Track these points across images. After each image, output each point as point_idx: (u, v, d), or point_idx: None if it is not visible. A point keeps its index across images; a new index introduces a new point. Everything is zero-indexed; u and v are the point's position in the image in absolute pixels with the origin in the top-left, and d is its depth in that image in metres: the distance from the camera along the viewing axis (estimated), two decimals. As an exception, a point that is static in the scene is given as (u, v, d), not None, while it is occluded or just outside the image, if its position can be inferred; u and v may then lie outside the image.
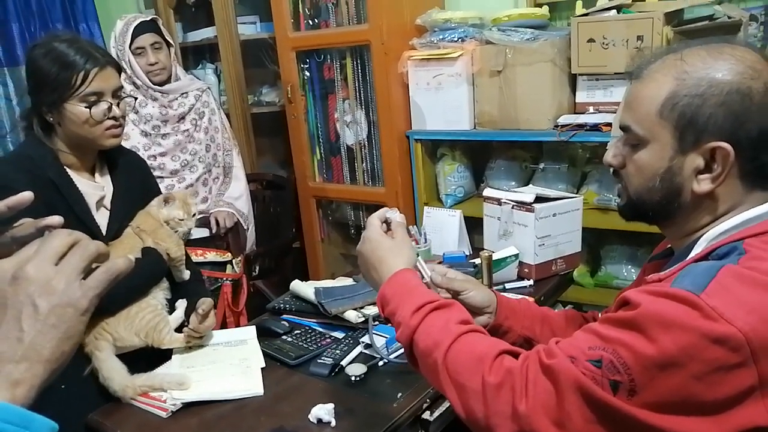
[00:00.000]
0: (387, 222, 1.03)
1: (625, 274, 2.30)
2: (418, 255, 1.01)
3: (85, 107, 1.29)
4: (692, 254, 0.80)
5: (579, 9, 2.15)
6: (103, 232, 1.37)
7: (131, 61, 2.05)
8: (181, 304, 1.43)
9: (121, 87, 1.37)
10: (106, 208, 1.41)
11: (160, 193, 1.59)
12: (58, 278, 0.55)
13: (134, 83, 2.09)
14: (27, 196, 0.66)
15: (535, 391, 0.73)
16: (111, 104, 1.32)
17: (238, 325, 2.03)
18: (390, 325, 1.28)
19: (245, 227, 2.33)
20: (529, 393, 0.73)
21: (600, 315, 1.15)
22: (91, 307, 0.56)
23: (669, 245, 0.95)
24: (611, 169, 0.91)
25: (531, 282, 1.69)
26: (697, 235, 0.82)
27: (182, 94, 2.17)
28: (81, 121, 1.30)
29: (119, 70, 1.36)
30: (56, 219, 0.65)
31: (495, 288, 1.61)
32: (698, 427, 0.67)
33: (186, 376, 1.26)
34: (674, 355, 0.66)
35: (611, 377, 0.69)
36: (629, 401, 0.68)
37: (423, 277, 1.02)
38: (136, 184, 1.49)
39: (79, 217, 1.31)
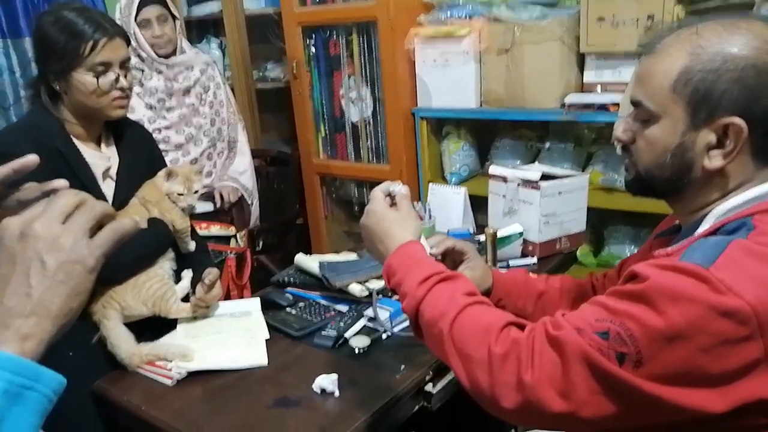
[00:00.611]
0: (391, 195, 1.03)
1: (628, 254, 2.29)
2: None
3: (93, 77, 1.29)
4: (700, 230, 0.80)
5: (589, -14, 2.12)
6: (110, 202, 1.37)
7: (136, 34, 2.04)
8: (187, 275, 1.44)
9: (129, 58, 1.37)
10: (112, 179, 1.41)
11: (165, 165, 1.59)
12: (65, 236, 0.56)
13: (139, 56, 2.07)
14: (32, 158, 0.67)
15: (540, 362, 0.73)
16: (119, 75, 1.32)
17: (241, 298, 2.04)
18: (395, 297, 1.30)
19: (249, 202, 2.34)
20: (535, 363, 0.73)
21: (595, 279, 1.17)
22: (97, 265, 0.57)
23: (675, 222, 0.95)
24: (619, 145, 0.90)
25: (535, 260, 1.70)
26: (706, 211, 0.82)
27: (187, 67, 2.16)
28: (88, 90, 1.30)
29: (128, 41, 1.36)
30: (61, 182, 0.66)
31: (499, 265, 1.63)
32: (703, 399, 0.68)
33: (189, 349, 1.27)
34: (681, 327, 0.67)
35: (618, 349, 0.69)
36: (635, 372, 0.69)
37: None
38: (141, 156, 1.49)
39: (85, 187, 1.31)
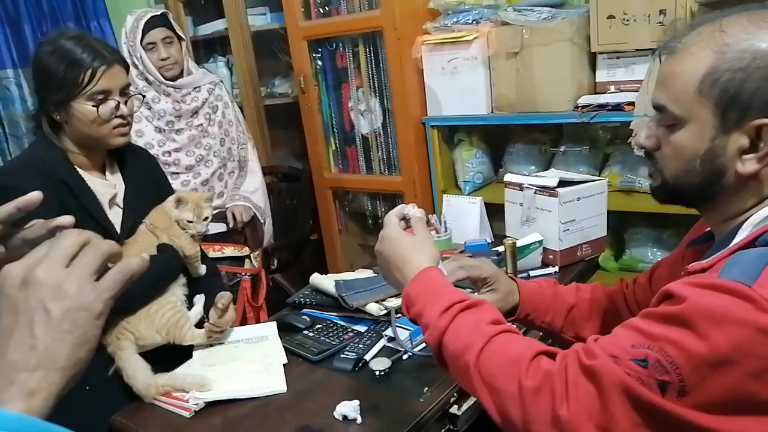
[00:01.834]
0: (405, 218, 0.99)
1: (650, 257, 2.24)
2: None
3: (93, 106, 1.27)
4: (736, 240, 0.75)
5: (597, -15, 2.08)
6: (118, 230, 1.35)
7: (143, 57, 2.03)
8: (200, 300, 1.41)
9: (129, 84, 1.35)
10: (119, 207, 1.40)
11: (171, 188, 1.57)
12: (69, 281, 0.53)
13: (146, 79, 2.07)
14: (36, 196, 0.64)
15: (576, 395, 0.68)
16: (119, 102, 1.30)
17: (258, 320, 2.02)
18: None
19: (262, 221, 2.31)
20: (570, 397, 0.69)
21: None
22: (106, 309, 0.54)
23: (707, 229, 0.90)
24: (642, 151, 0.85)
25: (556, 269, 1.65)
26: (741, 219, 0.77)
27: (195, 88, 2.15)
28: (89, 120, 1.28)
29: (127, 67, 1.34)
30: (67, 219, 0.63)
31: (519, 275, 1.58)
32: (753, 427, 0.63)
33: (207, 378, 1.24)
34: (727, 352, 0.62)
35: (659, 377, 0.65)
36: (679, 402, 0.64)
37: None
38: (147, 181, 1.47)
39: (93, 217, 1.29)
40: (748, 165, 0.74)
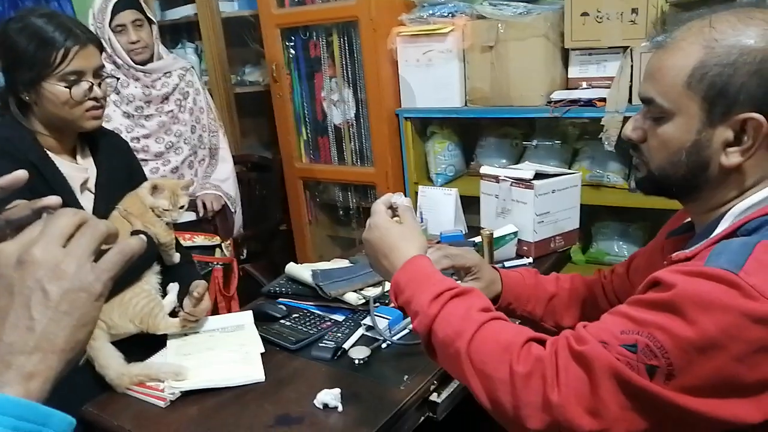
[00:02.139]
0: (392, 207, 0.99)
1: (617, 250, 2.30)
2: None
3: (65, 87, 1.23)
4: (719, 230, 0.78)
5: (572, -18, 2.11)
6: None
7: (111, 40, 1.96)
8: (174, 288, 1.38)
9: (103, 66, 1.31)
10: (91, 191, 1.35)
11: (144, 174, 1.53)
12: (67, 261, 0.50)
13: (115, 62, 2.00)
14: (21, 174, 0.61)
15: (567, 380, 0.70)
16: (92, 84, 1.26)
17: (230, 311, 1.99)
18: (392, 305, 1.25)
19: (232, 210, 2.28)
20: (561, 381, 0.70)
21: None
22: (105, 291, 0.52)
23: (686, 220, 0.93)
24: (613, 146, 0.87)
25: (530, 260, 1.68)
26: (723, 210, 0.80)
27: (165, 73, 2.09)
28: (60, 101, 1.23)
29: (101, 48, 1.30)
30: (54, 199, 0.61)
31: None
32: (738, 409, 0.65)
33: (183, 367, 1.21)
34: (715, 336, 0.64)
35: (647, 362, 0.66)
36: (667, 386, 0.66)
37: None
38: (119, 166, 1.43)
39: (63, 202, 1.24)
40: (732, 158, 0.76)
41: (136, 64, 2.02)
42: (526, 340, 0.76)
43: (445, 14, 2.24)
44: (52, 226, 0.52)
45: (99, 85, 1.27)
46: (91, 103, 1.26)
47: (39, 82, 1.21)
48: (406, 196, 2.48)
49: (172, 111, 2.09)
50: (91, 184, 1.34)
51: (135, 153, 1.99)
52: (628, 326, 0.69)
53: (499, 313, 0.82)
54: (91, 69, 1.25)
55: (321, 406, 1.12)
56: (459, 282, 1.10)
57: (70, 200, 1.27)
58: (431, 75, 2.31)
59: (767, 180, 0.77)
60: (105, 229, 0.54)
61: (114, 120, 2.01)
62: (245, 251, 2.55)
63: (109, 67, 1.98)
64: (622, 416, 0.68)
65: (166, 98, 2.08)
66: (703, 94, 0.75)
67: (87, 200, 1.33)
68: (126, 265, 0.53)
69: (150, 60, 2.06)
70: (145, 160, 2.05)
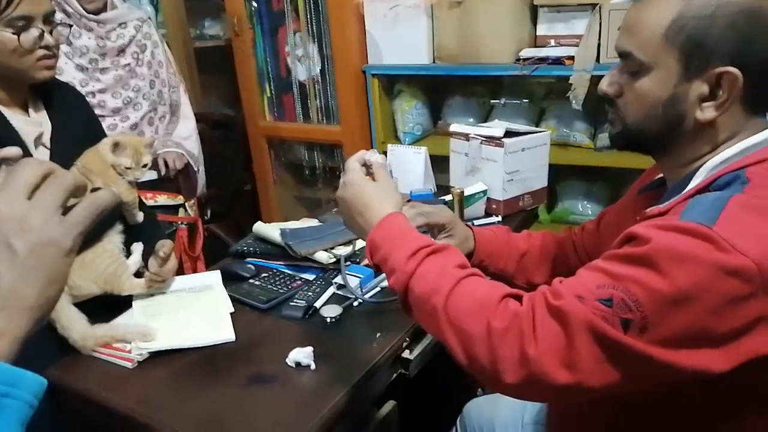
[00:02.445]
0: (366, 165, 0.97)
1: (581, 209, 2.34)
2: None
3: (13, 33, 1.14)
4: (692, 185, 0.79)
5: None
6: None
7: None
8: (137, 248, 1.33)
9: (54, 12, 1.22)
10: (46, 147, 1.28)
11: (101, 126, 1.46)
12: (33, 214, 0.48)
13: (65, 11, 1.88)
14: None
15: (543, 334, 0.70)
16: (43, 31, 1.17)
17: (195, 271, 1.95)
18: (363, 263, 1.25)
19: (195, 169, 2.21)
20: (538, 336, 0.70)
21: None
22: (75, 246, 0.50)
23: (657, 176, 0.94)
24: (607, 99, 0.87)
25: (499, 218, 1.69)
26: (696, 165, 0.80)
27: (120, 24, 1.98)
28: (8, 49, 1.15)
29: None
30: (14, 150, 0.56)
31: (463, 225, 1.60)
32: (708, 359, 0.67)
33: (150, 327, 1.19)
34: (688, 289, 0.65)
35: (622, 315, 0.67)
36: (640, 338, 0.67)
37: None
38: (76, 120, 1.35)
39: None
40: (707, 112, 0.77)
41: (89, 13, 1.91)
42: (503, 295, 0.76)
43: (414, -32, 2.18)
44: (15, 178, 0.49)
45: (50, 32, 1.19)
46: (42, 52, 1.18)
47: None
48: (373, 154, 2.46)
49: (129, 64, 2.00)
50: (46, 139, 1.27)
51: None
52: (604, 281, 0.70)
53: (475, 269, 0.82)
54: (41, 14, 1.17)
55: (293, 365, 1.11)
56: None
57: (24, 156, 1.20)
58: (398, 31, 2.27)
59: (739, 135, 0.78)
60: (73, 180, 0.51)
61: (66, 73, 1.90)
62: (209, 211, 2.50)
63: (58, 16, 1.87)
64: (596, 369, 0.69)
65: (122, 51, 1.98)
66: (681, 47, 0.75)
67: (42, 155, 1.25)
68: (97, 219, 0.51)
69: (103, 9, 1.95)
70: (102, 116, 1.95)
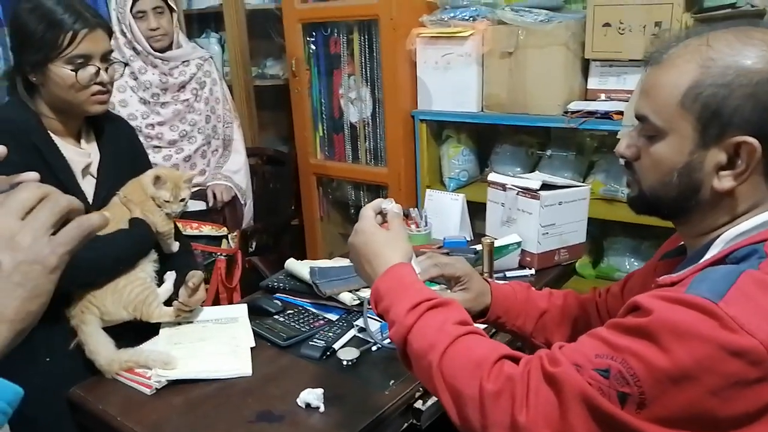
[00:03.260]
0: (382, 213, 0.97)
1: (628, 266, 2.26)
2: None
3: (72, 70, 1.23)
4: (708, 255, 0.75)
5: (596, -9, 2.07)
6: (90, 200, 1.32)
7: (131, 25, 1.99)
8: (170, 277, 1.39)
9: (111, 51, 1.31)
10: (93, 176, 1.36)
11: (149, 161, 1.54)
12: (23, 233, 0.51)
13: (134, 48, 2.03)
14: (1, 150, 0.62)
15: (536, 401, 0.68)
16: (99, 69, 1.26)
17: (231, 302, 2.00)
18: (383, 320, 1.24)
19: (243, 202, 2.29)
20: (530, 403, 0.68)
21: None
22: (61, 264, 0.53)
23: (681, 242, 0.90)
24: (622, 161, 0.85)
25: (532, 271, 1.65)
26: (714, 235, 0.77)
27: (183, 62, 2.11)
28: (66, 84, 1.24)
29: (110, 32, 1.30)
30: (32, 175, 0.61)
31: (495, 276, 1.58)
32: None
33: (172, 356, 1.22)
34: (689, 367, 0.61)
35: (619, 389, 0.64)
36: (638, 415, 0.64)
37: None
38: (124, 152, 1.43)
39: (64, 185, 1.26)
40: (725, 181, 0.74)
41: (155, 51, 2.04)
42: (499, 357, 0.74)
43: (466, 18, 2.22)
44: (13, 199, 0.53)
45: (106, 69, 1.28)
46: (97, 88, 1.27)
47: (46, 64, 1.22)
48: (417, 199, 2.48)
49: (187, 100, 2.11)
50: (94, 169, 1.35)
51: (149, 139, 2.03)
52: (603, 350, 0.67)
53: (475, 327, 0.80)
54: (99, 53, 1.26)
55: (303, 405, 1.12)
56: (448, 292, 1.09)
57: (71, 184, 1.28)
58: (449, 78, 2.30)
59: (760, 207, 0.74)
60: (66, 203, 0.54)
61: (130, 105, 2.03)
62: (254, 244, 2.56)
63: (128, 53, 2.01)
64: None
65: (182, 87, 2.10)
66: (697, 115, 0.72)
67: (89, 185, 1.34)
68: (85, 240, 0.54)
69: (169, 48, 2.08)
70: (159, 147, 2.07)
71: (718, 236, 0.76)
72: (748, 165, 0.71)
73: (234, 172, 2.25)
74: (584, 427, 0.66)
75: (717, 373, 0.61)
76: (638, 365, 0.64)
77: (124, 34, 2.00)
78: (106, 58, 1.28)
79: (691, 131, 0.73)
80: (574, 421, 0.66)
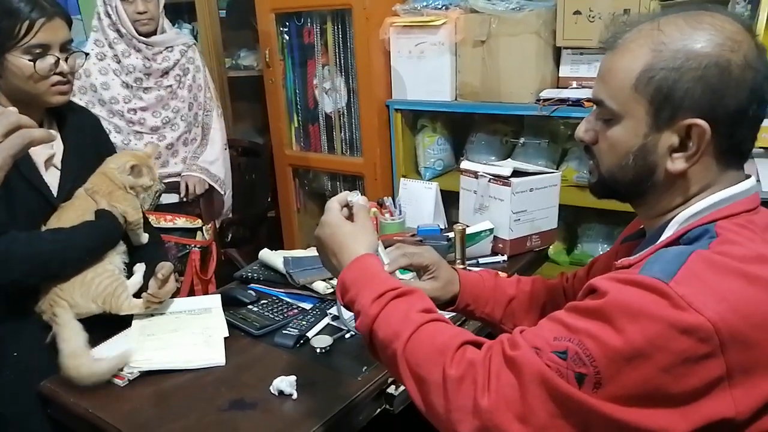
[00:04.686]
0: (348, 206, 0.98)
1: (601, 252, 2.28)
2: (378, 240, 0.96)
3: (30, 60, 1.21)
4: (663, 237, 0.77)
5: (566, -21, 2.09)
6: (54, 193, 1.30)
7: (118, 8, 1.97)
8: (140, 268, 1.37)
9: (71, 40, 1.28)
10: (57, 168, 1.33)
11: (114, 151, 1.52)
12: None
13: (118, 31, 2.00)
14: None
15: (498, 385, 0.69)
16: (58, 59, 1.24)
17: (206, 293, 1.99)
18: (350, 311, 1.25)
19: (222, 192, 2.28)
20: (492, 387, 0.69)
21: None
22: (4, 165, 0.70)
23: (641, 226, 0.92)
24: (582, 145, 0.87)
25: (505, 257, 1.67)
26: (669, 217, 0.79)
27: (167, 48, 2.09)
28: (24, 75, 1.22)
29: (69, 21, 1.27)
30: (12, 110, 0.75)
31: (468, 263, 1.59)
32: (664, 420, 0.64)
33: (127, 351, 1.19)
34: (641, 346, 0.63)
35: (576, 369, 0.66)
36: (594, 395, 0.65)
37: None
38: (88, 143, 1.41)
39: (26, 178, 1.24)
40: (677, 163, 0.75)
41: (140, 35, 2.02)
42: (461, 343, 0.75)
43: (439, 6, 2.22)
44: None
45: (66, 59, 1.25)
46: (56, 78, 1.24)
47: (3, 54, 1.20)
48: (393, 188, 2.48)
49: (171, 86, 2.09)
50: (57, 161, 1.33)
51: (131, 125, 2.01)
52: (561, 332, 0.69)
53: (439, 314, 0.81)
54: (58, 42, 1.23)
55: (276, 393, 1.12)
56: (417, 281, 1.10)
57: (34, 176, 1.26)
58: (423, 67, 2.30)
59: (712, 188, 0.76)
60: (15, 119, 0.70)
61: (112, 88, 2.01)
62: (231, 235, 2.55)
63: (111, 35, 1.98)
64: (550, 423, 0.67)
65: (166, 72, 2.08)
66: (650, 98, 0.74)
67: (52, 176, 1.31)
68: (26, 148, 0.70)
69: (154, 32, 2.06)
70: (141, 133, 2.06)
71: (673, 218, 0.78)
72: (699, 147, 0.73)
73: (210, 163, 2.24)
74: (544, 408, 0.67)
75: (668, 351, 0.63)
76: (593, 346, 0.65)
77: (108, 15, 1.98)
78: (65, 47, 1.26)
79: (644, 114, 0.75)
80: (534, 403, 0.67)
